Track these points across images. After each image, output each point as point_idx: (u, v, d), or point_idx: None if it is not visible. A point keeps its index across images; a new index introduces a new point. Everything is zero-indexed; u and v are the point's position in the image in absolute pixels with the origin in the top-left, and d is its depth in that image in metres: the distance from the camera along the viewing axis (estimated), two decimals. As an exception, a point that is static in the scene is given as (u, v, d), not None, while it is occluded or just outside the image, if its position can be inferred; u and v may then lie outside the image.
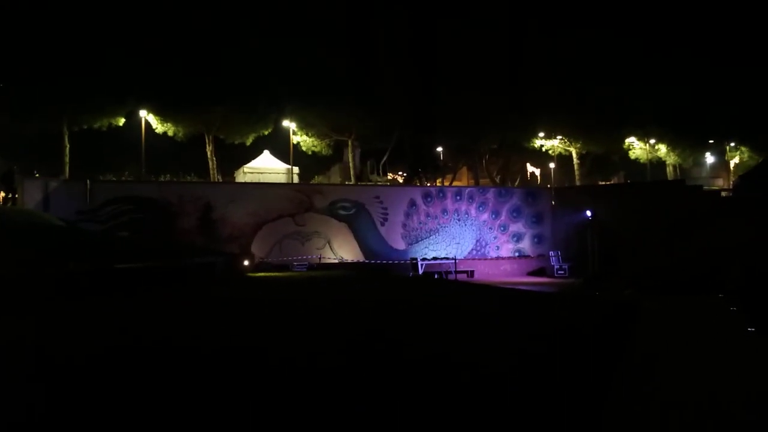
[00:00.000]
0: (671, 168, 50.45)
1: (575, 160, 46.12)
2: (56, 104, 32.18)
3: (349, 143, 40.84)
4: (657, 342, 10.67)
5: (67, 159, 34.39)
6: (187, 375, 7.23)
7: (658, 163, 49.79)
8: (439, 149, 46.49)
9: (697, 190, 37.45)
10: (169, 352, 8.41)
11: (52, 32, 31.36)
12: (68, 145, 34.51)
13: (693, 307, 16.90)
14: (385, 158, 44.20)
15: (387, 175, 46.21)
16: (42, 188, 31.01)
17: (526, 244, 38.90)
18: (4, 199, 34.89)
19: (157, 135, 36.35)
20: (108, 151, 37.74)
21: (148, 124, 35.50)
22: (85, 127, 34.77)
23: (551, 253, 37.25)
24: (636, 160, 48.44)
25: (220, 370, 7.42)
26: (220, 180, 38.85)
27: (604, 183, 48.59)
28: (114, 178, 35.66)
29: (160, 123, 36.11)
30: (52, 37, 31.36)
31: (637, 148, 47.44)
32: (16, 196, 31.94)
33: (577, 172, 46.19)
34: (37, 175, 32.61)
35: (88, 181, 31.70)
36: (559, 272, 35.73)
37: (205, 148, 37.85)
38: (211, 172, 38.12)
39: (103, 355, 8.00)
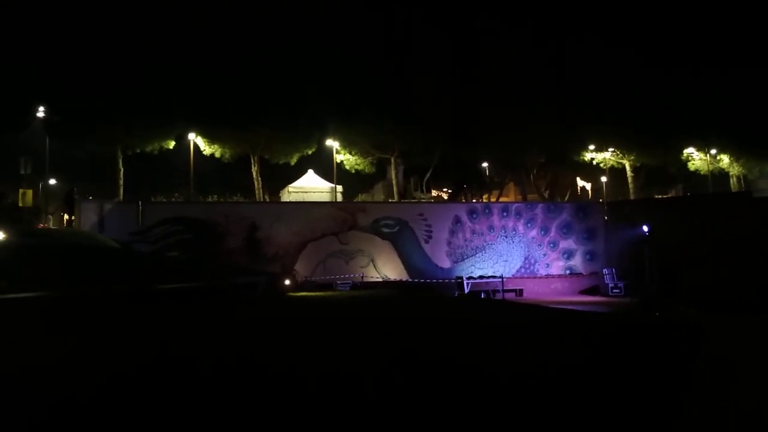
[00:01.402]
0: (735, 179, 47.84)
1: (629, 173, 44.28)
2: (110, 129, 33.48)
3: (392, 161, 40.66)
4: (727, 367, 9.61)
5: (121, 182, 35.58)
6: (175, 391, 7.07)
7: (721, 175, 47.27)
8: (485, 165, 45.65)
9: (764, 202, 35.18)
10: (166, 370, 8.28)
11: (104, 62, 32.74)
12: (122, 169, 35.73)
13: (765, 328, 15.46)
14: (428, 175, 43.71)
15: (431, 192, 45.70)
16: (97, 210, 32.11)
17: (577, 262, 37.44)
18: (67, 221, 36.51)
19: (205, 157, 37.25)
20: (159, 173, 38.88)
21: (196, 146, 36.44)
22: (138, 150, 36.02)
23: (605, 270, 35.64)
24: (696, 172, 46.12)
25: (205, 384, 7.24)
26: (266, 200, 39.30)
27: (661, 196, 46.44)
28: (164, 200, 36.59)
29: (208, 145, 36.97)
30: (105, 67, 32.76)
31: (696, 159, 45.19)
32: (73, 217, 33.32)
33: (631, 186, 44.33)
34: (91, 197, 33.78)
35: (140, 203, 32.63)
36: (614, 291, 34.05)
37: (251, 168, 38.44)
38: (257, 192, 38.64)
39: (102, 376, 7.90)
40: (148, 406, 6.71)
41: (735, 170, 46.79)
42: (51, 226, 34.53)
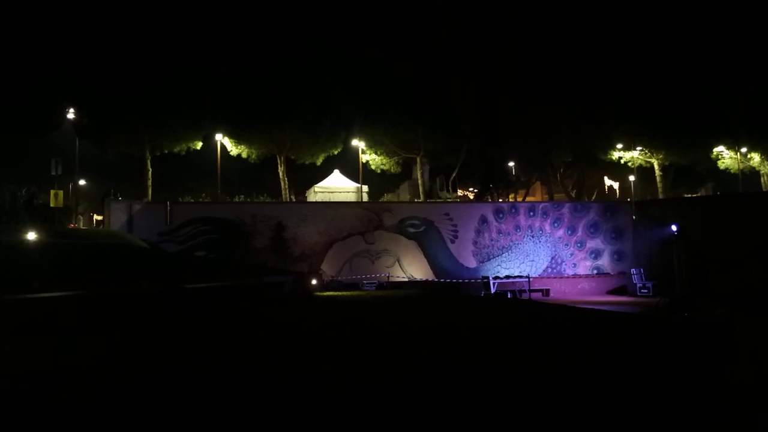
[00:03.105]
0: (766, 178, 46.70)
1: (657, 172, 43.52)
2: (139, 130, 33.99)
3: (418, 160, 40.56)
4: (754, 371, 9.41)
5: (149, 182, 36.06)
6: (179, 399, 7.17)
7: (751, 173, 46.21)
8: (511, 164, 45.29)
9: (797, 202, 34.36)
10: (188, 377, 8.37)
11: (133, 64, 33.27)
12: (150, 169, 36.20)
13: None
14: (454, 174, 43.52)
15: (457, 192, 45.46)
16: (126, 210, 32.59)
17: (605, 261, 36.99)
18: (97, 221, 37.13)
19: (232, 157, 37.57)
20: (186, 174, 39.31)
21: (223, 147, 36.74)
22: (166, 151, 36.43)
23: (633, 270, 35.20)
24: (726, 171, 45.13)
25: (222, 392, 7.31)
26: (292, 200, 39.51)
27: (690, 195, 45.56)
28: (192, 200, 36.97)
29: (235, 145, 37.28)
30: (134, 69, 33.28)
31: (726, 157, 44.20)
32: (102, 218, 33.89)
33: (659, 185, 43.56)
34: (120, 198, 34.28)
35: (168, 203, 33.03)
36: (642, 291, 33.63)
37: (277, 168, 38.67)
38: (283, 192, 38.87)
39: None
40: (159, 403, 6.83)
41: (766, 169, 45.68)
42: (81, 227, 35.12)
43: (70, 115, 32.23)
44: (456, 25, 41.12)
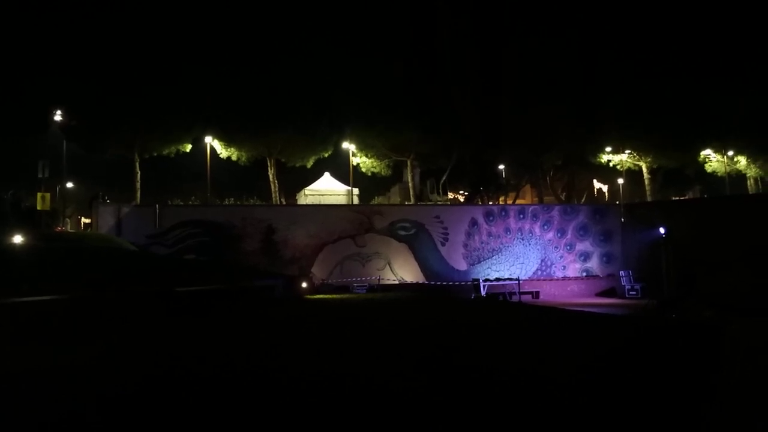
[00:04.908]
0: (752, 181, 47.31)
1: (646, 175, 43.96)
2: (128, 133, 33.67)
3: (409, 163, 40.63)
4: (751, 371, 9.47)
5: (138, 185, 35.77)
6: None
7: (738, 176, 46.80)
8: (501, 167, 45.50)
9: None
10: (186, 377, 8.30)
11: (123, 66, 33.03)
12: (139, 172, 35.91)
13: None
14: (444, 177, 43.66)
15: (447, 195, 45.60)
16: (115, 213, 32.32)
17: (594, 264, 37.28)
18: (85, 224, 36.76)
19: (222, 160, 37.37)
20: (176, 177, 39.06)
21: (213, 149, 36.54)
22: (155, 154, 36.15)
23: (622, 272, 35.50)
24: (713, 174, 45.70)
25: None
26: (282, 203, 39.37)
27: (678, 198, 46.06)
28: (181, 203, 36.73)
29: (225, 148, 37.09)
30: (123, 71, 33.02)
31: (713, 160, 44.75)
32: (89, 220, 33.55)
33: (648, 188, 44.00)
34: (108, 200, 33.96)
35: (157, 206, 32.80)
36: (630, 293, 33.93)
37: (267, 171, 38.53)
38: (274, 195, 38.72)
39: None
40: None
41: (752, 172, 46.27)
42: (69, 230, 34.75)
43: (57, 117, 31.89)
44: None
